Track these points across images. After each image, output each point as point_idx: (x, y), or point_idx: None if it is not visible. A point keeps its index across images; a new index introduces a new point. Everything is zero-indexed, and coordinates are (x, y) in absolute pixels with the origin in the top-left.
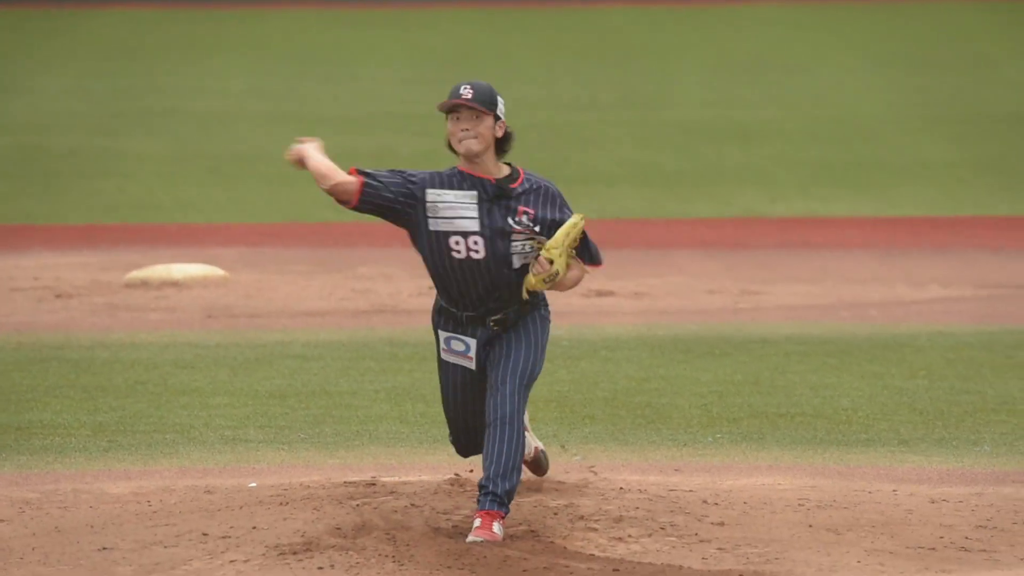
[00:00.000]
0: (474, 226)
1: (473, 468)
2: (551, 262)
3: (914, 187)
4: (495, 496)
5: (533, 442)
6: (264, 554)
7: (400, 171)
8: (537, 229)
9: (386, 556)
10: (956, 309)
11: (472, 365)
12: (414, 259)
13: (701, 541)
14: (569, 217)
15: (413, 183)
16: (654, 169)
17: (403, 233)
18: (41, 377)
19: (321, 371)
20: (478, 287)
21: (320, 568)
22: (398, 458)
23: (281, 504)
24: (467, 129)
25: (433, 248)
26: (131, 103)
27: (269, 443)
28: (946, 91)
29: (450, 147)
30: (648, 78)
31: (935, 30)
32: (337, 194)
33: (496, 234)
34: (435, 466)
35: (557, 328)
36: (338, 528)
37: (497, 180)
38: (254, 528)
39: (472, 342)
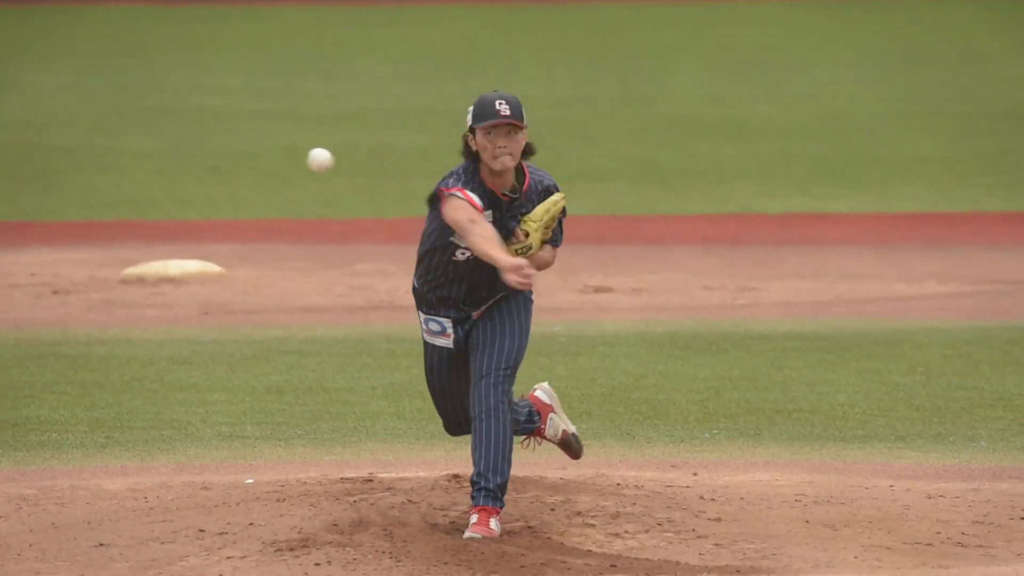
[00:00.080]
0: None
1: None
2: (527, 235)
3: (911, 183)
4: (488, 491)
5: (563, 425)
6: (261, 550)
7: (467, 186)
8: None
9: (383, 552)
10: (953, 305)
11: (451, 344)
12: (411, 256)
13: (698, 537)
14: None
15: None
16: (651, 165)
17: (401, 230)
18: (38, 373)
19: (318, 367)
20: (471, 282)
21: (317, 564)
22: (395, 454)
23: (278, 500)
24: (504, 146)
25: (437, 248)
26: (129, 100)
27: (266, 439)
28: (943, 88)
29: (468, 154)
30: (646, 75)
31: (932, 27)
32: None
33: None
34: (432, 462)
35: (555, 324)
36: (335, 524)
37: (511, 198)
38: (251, 524)
39: (447, 322)
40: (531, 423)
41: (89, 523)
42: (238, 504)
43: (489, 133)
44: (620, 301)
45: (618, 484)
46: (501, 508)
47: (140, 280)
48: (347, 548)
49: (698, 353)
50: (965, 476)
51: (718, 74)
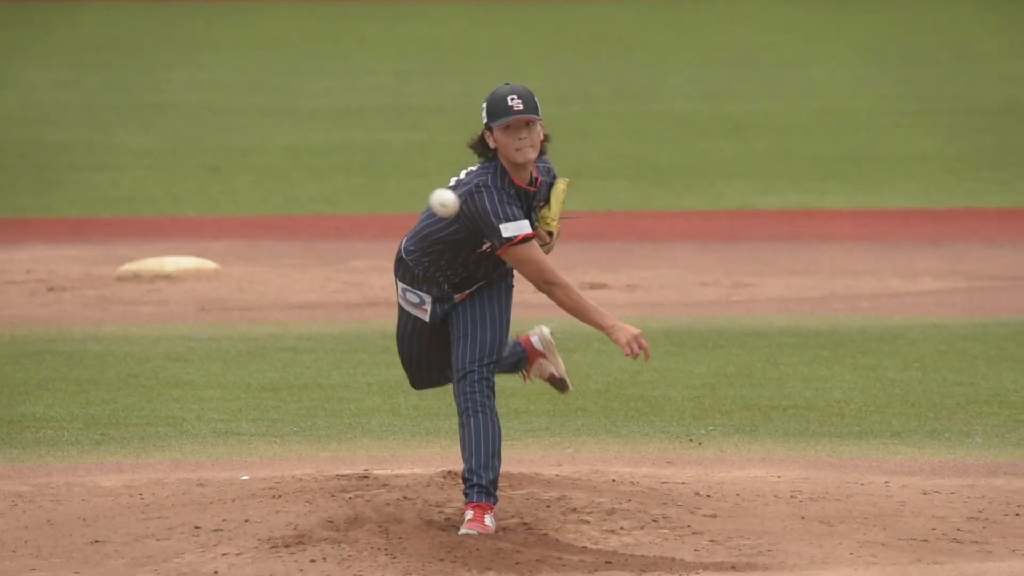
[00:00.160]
0: None
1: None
2: (550, 234)
3: (906, 179)
4: (482, 487)
5: (552, 369)
6: (256, 547)
7: (511, 203)
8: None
9: (378, 549)
10: (949, 301)
11: (427, 318)
12: None
13: (693, 533)
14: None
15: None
16: (647, 162)
17: (396, 226)
18: (33, 370)
19: (314, 364)
20: (470, 271)
21: (312, 561)
22: (390, 451)
23: (273, 497)
24: (524, 137)
25: (462, 241)
26: (124, 96)
27: (261, 436)
28: (939, 85)
29: (485, 151)
30: (642, 72)
31: (928, 24)
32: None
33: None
34: (428, 459)
35: (549, 321)
36: (330, 521)
37: (533, 189)
38: (246, 521)
39: (427, 298)
40: (516, 369)
41: (84, 520)
42: (233, 501)
43: (507, 129)
44: (615, 297)
45: (613, 480)
46: (495, 504)
47: (136, 277)
48: (342, 545)
49: (694, 349)
50: (960, 472)
51: (714, 71)
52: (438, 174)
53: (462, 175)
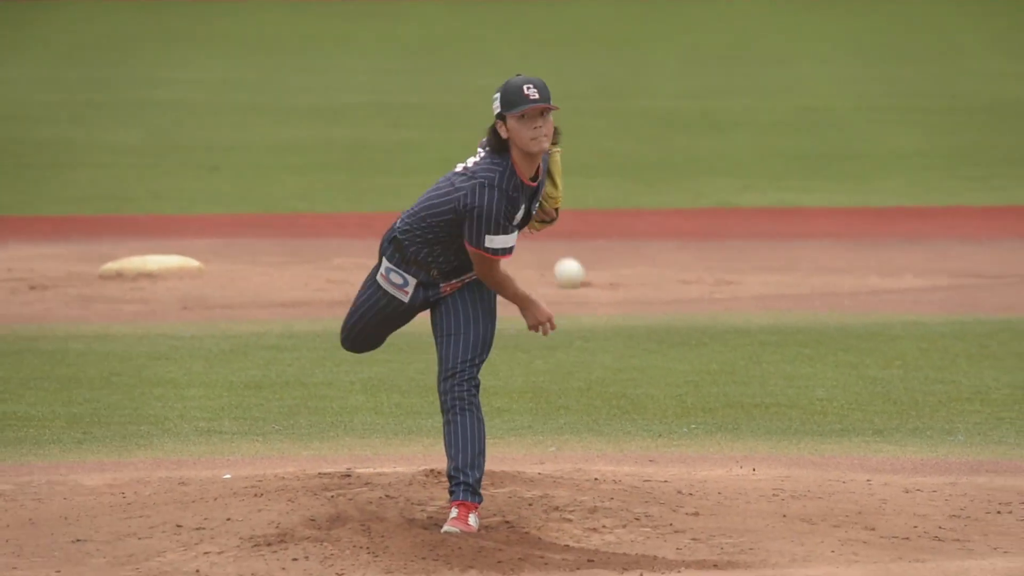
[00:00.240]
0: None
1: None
2: (556, 210)
3: (887, 177)
4: (468, 486)
5: None
6: (238, 545)
7: (511, 213)
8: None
9: (361, 547)
10: (930, 299)
11: (405, 300)
12: None
13: (676, 531)
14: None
15: (514, 210)
16: (628, 160)
17: (378, 224)
18: (15, 369)
19: (296, 362)
20: (469, 260)
21: (294, 559)
22: (373, 449)
23: (255, 495)
24: (539, 126)
25: (459, 228)
26: (105, 94)
27: (244, 434)
28: (919, 82)
29: (497, 143)
30: (622, 68)
31: (910, 21)
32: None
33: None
34: (410, 457)
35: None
36: (313, 519)
37: (536, 182)
38: (228, 519)
39: (412, 281)
40: None
41: (66, 519)
42: (215, 499)
43: (522, 118)
44: (597, 296)
45: (596, 479)
46: (479, 503)
47: (118, 275)
48: (325, 543)
49: (675, 347)
50: (942, 470)
51: (696, 69)
52: (420, 171)
53: (469, 163)
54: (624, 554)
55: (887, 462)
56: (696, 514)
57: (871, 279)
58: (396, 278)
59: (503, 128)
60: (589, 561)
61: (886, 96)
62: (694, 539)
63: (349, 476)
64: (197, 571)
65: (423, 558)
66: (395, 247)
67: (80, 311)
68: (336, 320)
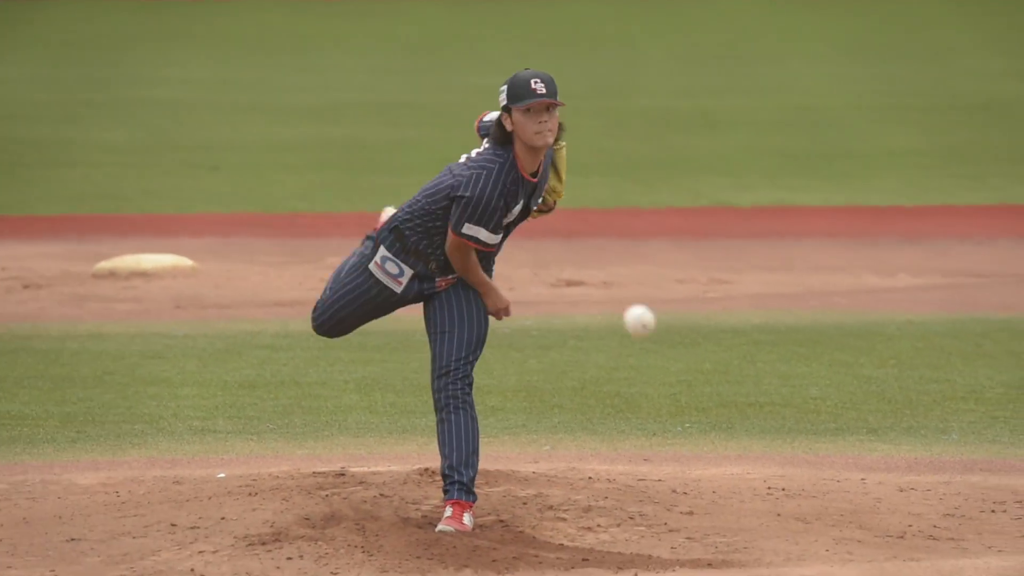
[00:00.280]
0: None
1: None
2: (555, 201)
3: (882, 176)
4: (462, 484)
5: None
6: (233, 544)
7: (503, 208)
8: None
9: (355, 546)
10: (925, 298)
11: (398, 290)
12: None
13: (670, 531)
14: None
15: (508, 206)
16: (623, 158)
17: (373, 223)
18: (9, 368)
19: (290, 361)
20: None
21: (289, 558)
22: (367, 448)
23: (250, 494)
24: (544, 121)
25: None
26: (98, 93)
27: (238, 433)
28: (913, 80)
29: (502, 135)
30: (617, 67)
31: (903, 20)
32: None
33: (514, 224)
34: (404, 456)
35: (526, 318)
36: (307, 518)
37: (536, 179)
38: (223, 518)
39: (409, 272)
40: None
41: (60, 518)
42: (210, 498)
43: (528, 112)
44: (591, 294)
45: (590, 478)
46: (474, 502)
47: (112, 274)
48: (319, 542)
49: (670, 346)
50: (936, 469)
51: (690, 67)
52: (417, 171)
53: (472, 154)
54: (619, 553)
55: (881, 461)
56: (690, 513)
57: (866, 278)
58: (392, 267)
59: (508, 120)
60: (584, 560)
61: (882, 95)
62: (688, 538)
63: (343, 475)
64: (192, 570)
65: (418, 557)
66: (396, 236)
67: (74, 310)
68: None
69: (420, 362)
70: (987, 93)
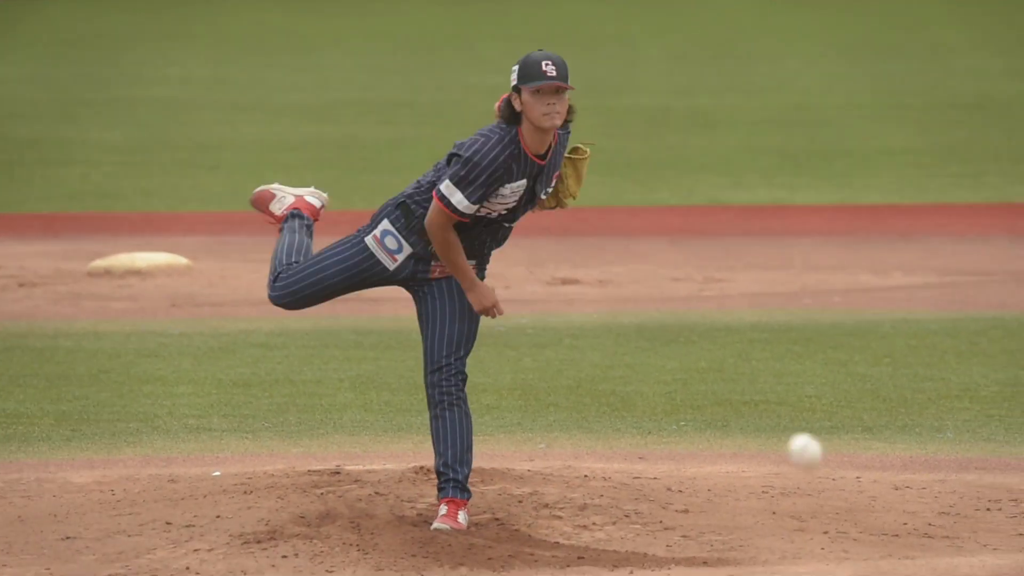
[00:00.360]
0: (507, 207)
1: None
2: (570, 199)
3: (877, 175)
4: (457, 482)
5: (289, 200)
6: (228, 543)
7: (488, 179)
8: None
9: (350, 544)
10: (919, 296)
11: (391, 267)
12: None
13: (666, 529)
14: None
15: (496, 182)
16: (618, 157)
17: (363, 220)
18: (4, 366)
19: (285, 359)
20: (466, 240)
21: (284, 557)
22: (362, 446)
23: (245, 493)
24: (552, 103)
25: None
26: (93, 91)
27: (233, 432)
28: (908, 79)
29: (510, 114)
30: (611, 66)
31: (898, 19)
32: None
33: (520, 209)
34: (400, 454)
35: (521, 317)
36: (302, 517)
37: (543, 162)
38: (218, 517)
39: (408, 250)
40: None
41: (55, 516)
42: (205, 497)
43: (537, 93)
44: (587, 293)
45: (585, 476)
46: (469, 500)
47: (107, 272)
48: (314, 540)
49: (665, 345)
50: (931, 467)
51: (685, 66)
52: (411, 169)
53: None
54: (614, 551)
55: (876, 459)
56: (686, 511)
57: (861, 276)
58: (391, 242)
59: (517, 100)
60: (579, 558)
61: (876, 93)
62: (684, 536)
63: (339, 473)
64: (187, 568)
65: (413, 555)
66: (402, 211)
67: (69, 308)
68: (324, 317)
69: (415, 360)
70: (983, 92)
